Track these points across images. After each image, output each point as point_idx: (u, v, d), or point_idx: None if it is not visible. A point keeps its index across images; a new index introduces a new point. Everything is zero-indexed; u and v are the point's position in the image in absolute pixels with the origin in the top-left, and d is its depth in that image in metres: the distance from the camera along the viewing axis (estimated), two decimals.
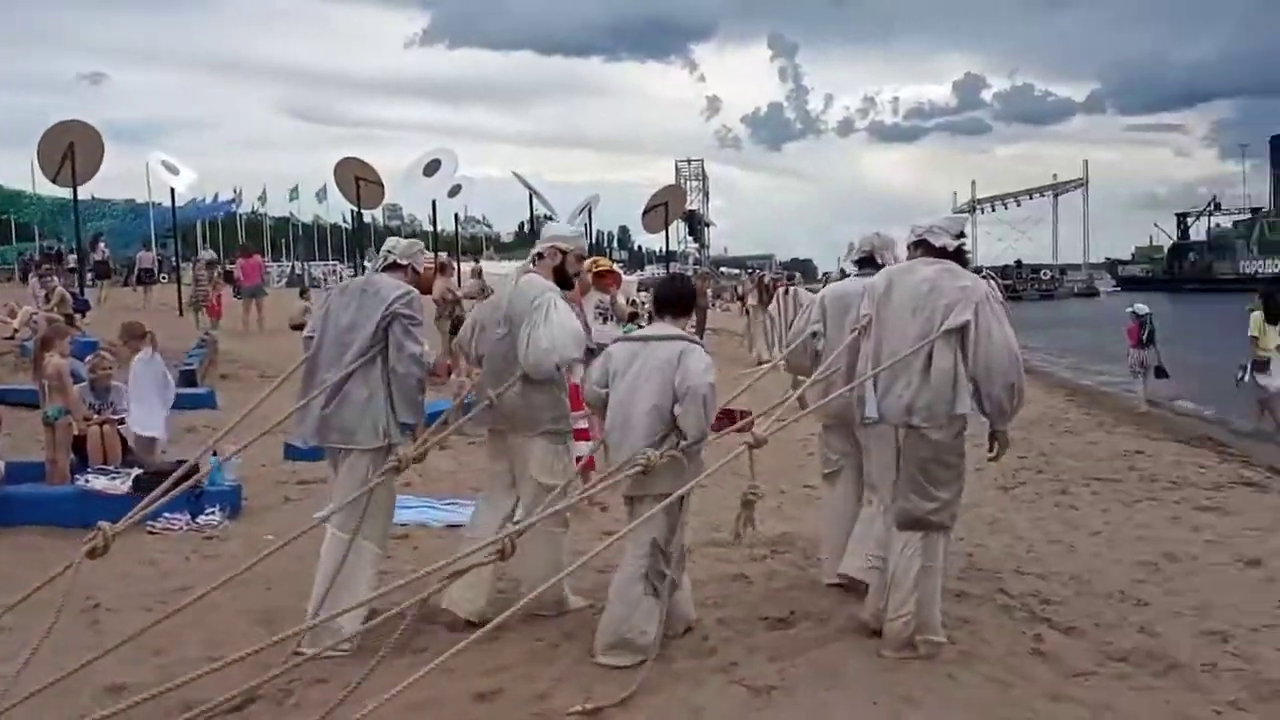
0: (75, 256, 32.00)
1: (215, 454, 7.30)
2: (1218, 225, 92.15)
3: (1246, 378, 12.42)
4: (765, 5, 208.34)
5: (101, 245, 30.85)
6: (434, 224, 22.75)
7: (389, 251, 4.98)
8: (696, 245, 66.32)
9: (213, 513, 6.73)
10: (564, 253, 5.10)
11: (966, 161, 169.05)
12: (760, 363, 13.33)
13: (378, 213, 59.12)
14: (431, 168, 21.86)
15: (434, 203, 22.62)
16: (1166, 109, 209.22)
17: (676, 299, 4.84)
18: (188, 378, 12.40)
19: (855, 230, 5.17)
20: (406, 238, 5.20)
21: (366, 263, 13.39)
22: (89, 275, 23.37)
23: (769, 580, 5.49)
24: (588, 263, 7.12)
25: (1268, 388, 12.06)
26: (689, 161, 74.00)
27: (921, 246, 4.65)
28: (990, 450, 4.65)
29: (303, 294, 23.45)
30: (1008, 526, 6.85)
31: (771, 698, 3.96)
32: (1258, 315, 12.18)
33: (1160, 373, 14.27)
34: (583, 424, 6.26)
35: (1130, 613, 5.07)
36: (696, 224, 67.69)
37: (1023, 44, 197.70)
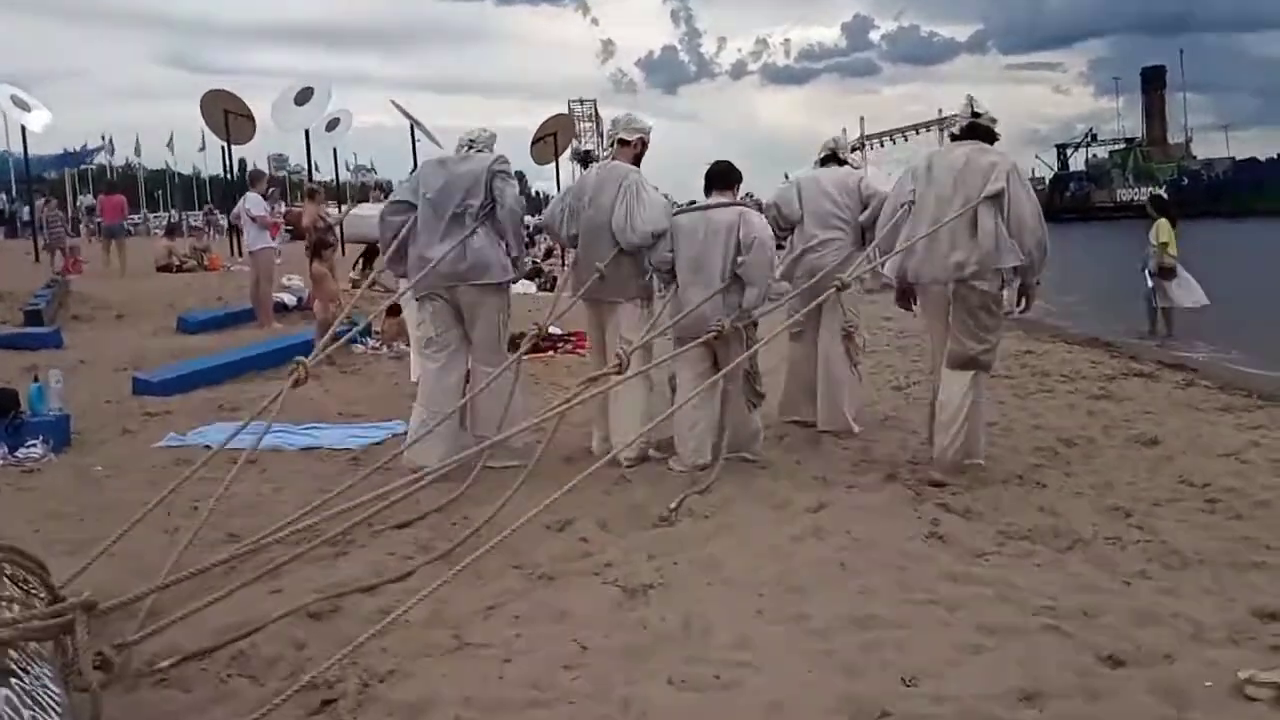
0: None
1: (37, 378, 6.58)
2: (1094, 156, 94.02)
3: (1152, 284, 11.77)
4: None
5: None
6: (308, 153, 21.17)
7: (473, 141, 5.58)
8: None
9: (34, 445, 5.97)
10: (645, 143, 5.76)
11: (855, 102, 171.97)
12: None
13: (261, 161, 56.37)
14: (303, 96, 20.26)
15: (307, 133, 21.11)
16: (1045, 48, 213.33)
17: (722, 173, 5.60)
18: (33, 318, 11.71)
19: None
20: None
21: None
22: None
23: (652, 484, 5.11)
24: None
25: (1171, 297, 11.55)
26: (581, 101, 71.99)
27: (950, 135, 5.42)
28: (1019, 303, 5.21)
29: (170, 234, 22.06)
30: (900, 423, 6.54)
31: (648, 596, 3.56)
32: (1164, 223, 11.69)
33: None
34: None
35: (1030, 495, 4.84)
36: (591, 164, 66.41)
37: None
